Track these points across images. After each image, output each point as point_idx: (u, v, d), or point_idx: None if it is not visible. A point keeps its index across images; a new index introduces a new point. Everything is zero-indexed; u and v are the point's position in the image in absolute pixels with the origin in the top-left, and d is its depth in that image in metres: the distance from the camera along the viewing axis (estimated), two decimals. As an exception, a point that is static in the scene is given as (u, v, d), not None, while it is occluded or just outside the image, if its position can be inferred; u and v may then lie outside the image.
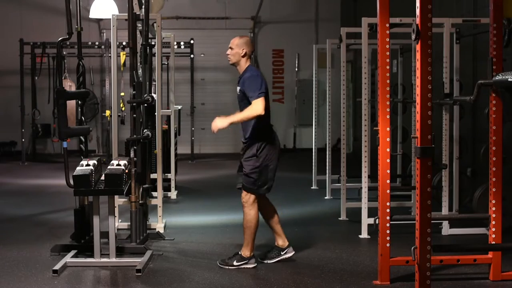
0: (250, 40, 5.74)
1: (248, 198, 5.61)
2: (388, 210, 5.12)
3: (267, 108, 5.58)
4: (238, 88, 5.66)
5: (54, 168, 12.64)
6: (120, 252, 5.86)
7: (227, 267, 5.62)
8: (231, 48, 5.67)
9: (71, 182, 5.74)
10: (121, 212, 7.37)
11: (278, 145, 5.72)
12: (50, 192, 9.95)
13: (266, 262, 5.77)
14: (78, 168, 5.72)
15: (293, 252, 5.84)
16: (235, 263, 5.64)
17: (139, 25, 6.94)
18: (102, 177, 5.79)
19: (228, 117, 5.49)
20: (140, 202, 6.31)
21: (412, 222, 4.68)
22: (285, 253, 5.81)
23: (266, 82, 5.72)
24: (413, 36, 4.35)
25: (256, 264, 5.67)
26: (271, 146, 5.63)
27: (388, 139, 5.17)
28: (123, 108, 9.44)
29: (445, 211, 6.98)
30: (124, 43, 10.49)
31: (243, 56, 5.65)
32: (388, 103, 5.19)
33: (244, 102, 5.60)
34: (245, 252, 5.65)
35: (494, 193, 5.13)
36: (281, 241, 5.84)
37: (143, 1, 6.75)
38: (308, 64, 13.74)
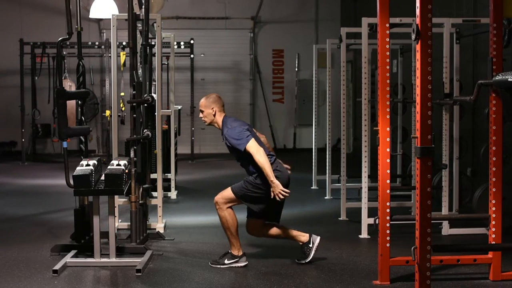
0: (216, 96, 5.80)
1: (222, 200, 5.62)
2: (388, 210, 5.12)
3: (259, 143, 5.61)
4: (226, 142, 5.70)
5: (54, 168, 12.64)
6: (120, 252, 5.86)
7: (218, 266, 5.64)
8: (201, 111, 5.77)
9: (71, 182, 5.75)
10: (121, 212, 7.37)
11: (284, 176, 5.68)
12: (50, 192, 9.95)
13: (304, 262, 5.74)
14: (78, 168, 5.72)
15: (319, 237, 5.80)
16: (226, 261, 5.66)
17: (139, 25, 6.94)
18: (102, 177, 5.79)
19: (270, 179, 5.43)
20: (140, 202, 6.31)
21: (412, 222, 4.69)
22: (312, 243, 5.76)
23: (244, 123, 5.75)
24: (413, 36, 4.35)
25: (247, 263, 5.68)
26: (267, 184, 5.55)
27: (388, 139, 5.17)
28: (123, 108, 9.44)
29: (445, 211, 6.98)
30: (124, 43, 10.51)
31: (215, 115, 5.74)
32: (388, 103, 5.19)
33: (236, 151, 5.64)
34: (234, 251, 5.67)
35: (494, 193, 5.13)
36: (303, 238, 5.81)
37: (143, 1, 6.75)
38: (308, 64, 13.75)
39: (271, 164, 5.55)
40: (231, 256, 5.67)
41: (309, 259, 5.74)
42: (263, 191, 5.57)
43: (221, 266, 5.63)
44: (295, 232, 5.83)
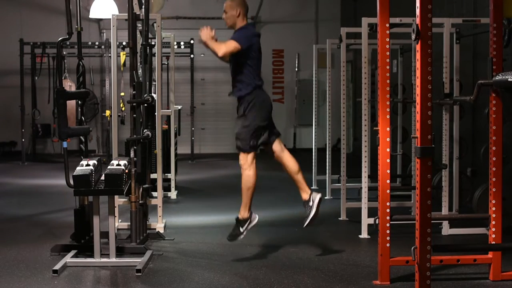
0: (242, 0, 5.78)
1: (245, 159, 5.73)
2: (388, 210, 5.12)
3: (251, 66, 5.73)
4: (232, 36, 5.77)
5: (54, 168, 12.64)
6: (120, 252, 5.86)
7: (239, 237, 5.76)
8: (225, 12, 5.79)
9: (71, 182, 5.74)
10: (121, 212, 7.37)
11: (266, 103, 5.81)
12: (50, 192, 9.95)
13: (307, 221, 5.82)
14: (78, 168, 5.72)
15: (319, 195, 5.87)
16: (241, 229, 5.74)
17: (139, 25, 6.94)
18: (102, 177, 5.79)
19: (210, 38, 5.65)
20: (140, 202, 6.31)
21: (412, 222, 4.68)
22: (313, 202, 5.83)
23: (254, 43, 5.79)
24: (413, 36, 4.35)
25: (257, 217, 5.80)
26: (259, 104, 5.73)
27: (388, 139, 5.17)
28: (123, 108, 9.45)
29: (445, 211, 6.98)
30: (124, 43, 10.50)
31: (238, 17, 5.76)
32: (388, 103, 5.19)
33: (233, 59, 5.73)
34: (243, 213, 5.76)
35: (494, 193, 5.13)
36: (304, 194, 5.89)
37: (143, 1, 6.75)
38: (308, 64, 13.74)
39: (258, 94, 5.72)
40: (243, 221, 5.75)
41: (310, 216, 5.79)
42: (246, 127, 5.68)
43: (242, 236, 5.75)
44: (302, 182, 5.91)
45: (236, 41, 5.67)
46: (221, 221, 7.72)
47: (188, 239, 6.75)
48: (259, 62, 5.83)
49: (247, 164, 5.75)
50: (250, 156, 5.75)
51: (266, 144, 5.94)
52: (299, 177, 5.95)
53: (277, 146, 5.97)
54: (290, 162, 5.99)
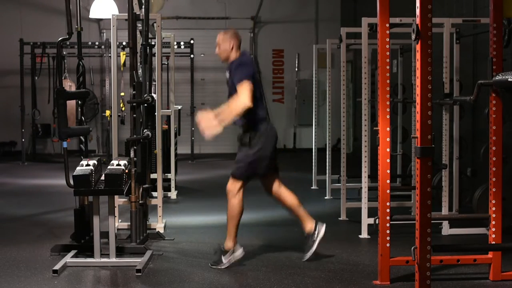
0: (235, 32, 5.73)
1: (233, 186, 5.57)
2: (388, 210, 5.12)
3: (258, 98, 5.57)
4: (227, 75, 5.65)
5: (54, 168, 12.64)
6: (120, 252, 5.86)
7: (219, 267, 5.57)
8: (218, 45, 5.69)
9: (71, 182, 5.74)
10: (121, 212, 7.37)
11: (273, 135, 5.68)
12: (50, 192, 9.94)
13: (306, 257, 5.74)
14: (78, 168, 5.72)
15: (324, 225, 5.77)
16: (224, 261, 5.59)
17: (139, 25, 6.94)
18: (102, 177, 5.79)
19: (216, 117, 5.32)
20: (140, 202, 6.31)
21: (412, 222, 4.68)
22: (317, 235, 5.73)
23: (255, 71, 5.67)
24: (413, 36, 4.35)
25: (242, 251, 5.63)
26: (266, 137, 5.60)
27: (388, 139, 5.17)
28: (123, 108, 9.44)
29: (445, 211, 6.98)
30: (124, 43, 10.50)
31: (232, 50, 5.66)
32: (388, 103, 5.19)
33: (233, 90, 5.55)
34: (228, 244, 5.60)
35: (494, 193, 5.13)
36: (308, 227, 5.77)
37: (143, 1, 6.75)
38: (308, 64, 13.74)
39: (264, 125, 5.56)
40: (225, 252, 5.59)
41: (310, 252, 5.71)
42: (249, 157, 5.55)
43: (222, 267, 5.59)
44: (304, 215, 5.78)
45: (247, 80, 5.42)
46: (221, 221, 7.69)
47: (188, 239, 6.75)
48: (260, 86, 5.69)
49: (234, 191, 5.56)
50: (239, 184, 5.56)
51: (264, 178, 5.79)
52: (301, 211, 5.80)
53: (275, 181, 5.81)
54: (288, 196, 5.81)
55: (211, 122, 5.34)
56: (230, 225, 5.62)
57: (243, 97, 5.38)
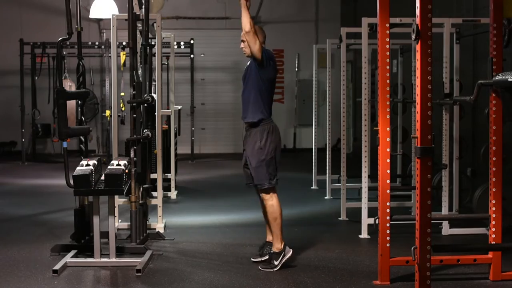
0: (260, 28, 5.80)
1: (266, 192, 5.59)
2: (388, 210, 5.12)
3: (269, 94, 5.65)
4: (246, 71, 5.73)
5: (54, 168, 12.65)
6: (120, 252, 5.86)
7: (272, 270, 5.51)
8: (242, 40, 5.70)
9: (71, 182, 5.74)
10: (121, 212, 7.37)
11: (278, 134, 5.69)
12: (50, 192, 9.95)
13: (256, 260, 5.73)
14: (78, 168, 5.72)
15: (291, 251, 5.71)
16: (276, 262, 5.54)
17: (139, 25, 6.94)
18: (102, 177, 5.79)
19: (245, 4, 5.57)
20: (140, 202, 6.31)
21: (412, 222, 4.69)
22: (284, 256, 5.62)
23: (275, 68, 5.77)
24: (413, 36, 4.35)
25: (291, 250, 5.63)
26: (274, 136, 5.62)
27: (388, 139, 5.17)
28: (123, 108, 9.44)
29: (445, 211, 6.98)
30: (124, 43, 10.48)
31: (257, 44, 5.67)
32: (388, 103, 5.19)
33: (248, 75, 5.65)
34: (278, 245, 5.59)
35: (494, 193, 5.13)
36: (277, 244, 5.65)
37: (143, 1, 6.75)
38: (308, 64, 13.74)
39: (271, 123, 5.61)
40: (276, 254, 5.56)
41: (261, 259, 5.71)
42: (264, 160, 5.55)
43: (275, 269, 5.51)
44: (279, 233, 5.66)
45: (260, 49, 5.62)
46: (221, 221, 7.73)
47: (188, 239, 6.75)
48: (272, 90, 5.72)
49: (268, 194, 5.61)
50: (271, 189, 5.61)
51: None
52: (276, 228, 5.65)
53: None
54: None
55: None
56: (275, 227, 5.60)
57: (250, 24, 5.58)
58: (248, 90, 5.67)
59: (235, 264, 5.72)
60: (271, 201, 5.60)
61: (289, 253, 5.62)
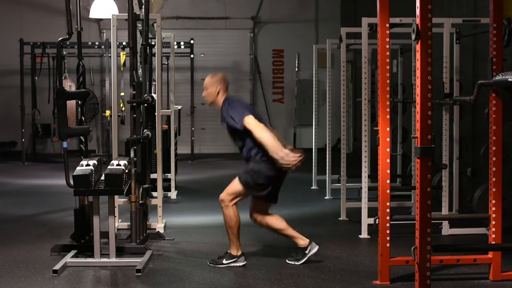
0: (222, 77, 5.73)
1: (227, 197, 5.61)
2: (388, 210, 5.12)
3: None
4: (224, 124, 5.63)
5: (54, 168, 12.64)
6: (120, 252, 5.86)
7: (217, 266, 5.63)
8: (205, 88, 5.71)
9: (71, 182, 5.75)
10: (121, 212, 7.37)
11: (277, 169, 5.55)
12: (50, 192, 9.95)
13: (293, 263, 5.71)
14: (78, 168, 5.72)
15: (317, 247, 5.72)
16: (224, 261, 5.65)
17: (139, 25, 6.94)
18: (102, 177, 5.79)
19: (278, 155, 5.33)
20: (140, 202, 6.31)
21: (412, 222, 4.69)
22: (309, 251, 5.71)
23: (247, 105, 5.76)
24: (413, 36, 4.35)
25: (245, 263, 5.66)
26: (270, 167, 5.53)
27: (388, 139, 5.17)
28: (123, 108, 9.44)
29: (445, 211, 6.98)
30: (124, 43, 10.51)
31: (218, 94, 5.66)
32: (388, 103, 5.19)
33: (235, 133, 5.56)
34: (233, 251, 5.66)
35: (494, 193, 5.13)
36: (302, 241, 5.74)
37: (143, 1, 6.75)
38: (308, 64, 13.74)
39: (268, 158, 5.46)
40: (229, 256, 5.67)
41: (299, 263, 5.70)
42: (267, 174, 5.53)
43: (220, 266, 5.63)
44: (295, 234, 5.77)
45: (247, 115, 5.42)
46: (221, 221, 7.67)
47: (188, 239, 6.76)
48: (260, 117, 5.66)
49: (228, 200, 5.62)
50: (242, 193, 5.61)
51: (258, 201, 5.75)
52: (291, 232, 5.74)
53: (265, 210, 5.78)
54: (275, 222, 5.76)
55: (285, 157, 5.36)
56: (228, 234, 5.69)
57: (258, 133, 5.37)
58: (243, 145, 5.63)
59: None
60: (227, 209, 5.64)
61: (241, 262, 5.65)
